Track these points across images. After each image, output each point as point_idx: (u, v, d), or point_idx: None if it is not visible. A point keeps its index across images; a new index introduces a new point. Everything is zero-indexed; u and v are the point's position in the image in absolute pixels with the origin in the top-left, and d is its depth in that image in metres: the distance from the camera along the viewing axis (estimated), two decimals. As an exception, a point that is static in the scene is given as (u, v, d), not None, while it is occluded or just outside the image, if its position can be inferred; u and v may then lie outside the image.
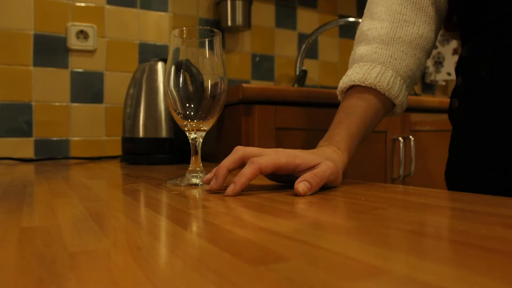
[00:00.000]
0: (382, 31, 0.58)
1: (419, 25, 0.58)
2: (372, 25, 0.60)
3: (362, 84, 0.55)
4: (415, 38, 0.58)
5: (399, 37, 0.58)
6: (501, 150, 0.50)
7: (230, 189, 0.39)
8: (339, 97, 0.61)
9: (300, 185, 0.39)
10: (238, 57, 1.46)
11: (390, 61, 0.57)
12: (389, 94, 0.56)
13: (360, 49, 0.59)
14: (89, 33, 1.21)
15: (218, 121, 1.02)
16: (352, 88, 0.57)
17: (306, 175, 0.41)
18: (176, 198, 0.38)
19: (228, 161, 0.42)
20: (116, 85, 1.26)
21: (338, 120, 0.55)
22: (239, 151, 0.43)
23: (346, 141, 0.53)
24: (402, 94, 0.57)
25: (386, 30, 0.58)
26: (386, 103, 0.57)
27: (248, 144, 0.90)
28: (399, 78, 0.57)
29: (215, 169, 0.43)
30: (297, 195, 0.39)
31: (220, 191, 0.42)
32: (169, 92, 0.49)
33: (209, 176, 0.44)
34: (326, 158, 0.45)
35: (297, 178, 0.41)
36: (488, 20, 0.52)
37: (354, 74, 0.57)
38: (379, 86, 0.55)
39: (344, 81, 0.58)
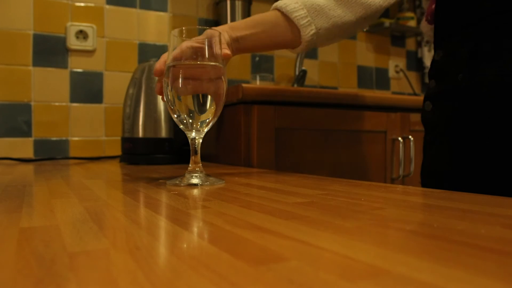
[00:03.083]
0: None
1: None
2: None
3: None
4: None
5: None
6: (475, 153, 0.51)
7: None
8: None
9: None
10: (238, 57, 1.46)
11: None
12: (286, 11, 0.67)
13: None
14: (89, 33, 1.21)
15: (218, 121, 1.02)
16: None
17: None
18: (176, 198, 0.38)
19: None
20: (115, 85, 1.26)
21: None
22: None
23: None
24: (299, 15, 0.67)
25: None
26: (288, 24, 0.68)
27: (247, 145, 0.90)
28: (302, 6, 0.67)
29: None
30: (295, 196, 0.39)
31: (219, 191, 0.42)
32: (168, 92, 0.49)
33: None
34: None
35: None
36: (465, 23, 0.53)
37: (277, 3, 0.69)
38: (280, 6, 0.68)
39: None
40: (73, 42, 1.19)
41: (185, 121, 0.50)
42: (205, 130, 0.51)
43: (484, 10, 0.51)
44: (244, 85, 0.88)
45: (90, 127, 1.22)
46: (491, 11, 0.50)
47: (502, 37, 0.49)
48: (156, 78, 0.98)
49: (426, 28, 0.68)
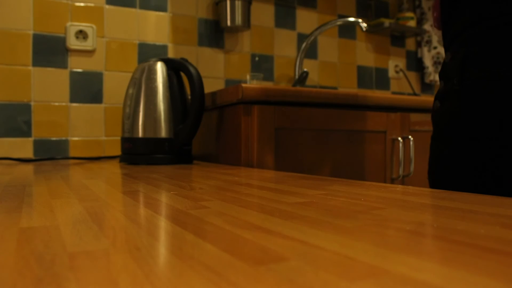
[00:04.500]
0: None
1: None
2: None
3: None
4: None
5: None
6: (471, 153, 0.55)
7: None
8: None
9: None
10: (238, 57, 1.46)
11: None
12: None
13: None
14: (89, 33, 1.21)
15: (218, 121, 1.03)
16: None
17: None
18: (176, 198, 0.38)
19: None
20: (115, 85, 1.26)
21: None
22: None
23: None
24: None
25: None
26: None
27: (247, 145, 0.90)
28: None
29: None
30: (296, 195, 0.39)
31: (219, 191, 0.42)
32: None
33: None
34: None
35: None
36: (463, 27, 0.57)
37: None
38: None
39: None
40: (73, 42, 1.19)
41: None
42: None
43: (475, 16, 0.54)
44: (244, 85, 0.88)
45: (90, 127, 1.22)
46: (480, 17, 0.53)
47: (488, 43, 0.52)
48: (156, 77, 0.98)
49: (439, 33, 0.71)
